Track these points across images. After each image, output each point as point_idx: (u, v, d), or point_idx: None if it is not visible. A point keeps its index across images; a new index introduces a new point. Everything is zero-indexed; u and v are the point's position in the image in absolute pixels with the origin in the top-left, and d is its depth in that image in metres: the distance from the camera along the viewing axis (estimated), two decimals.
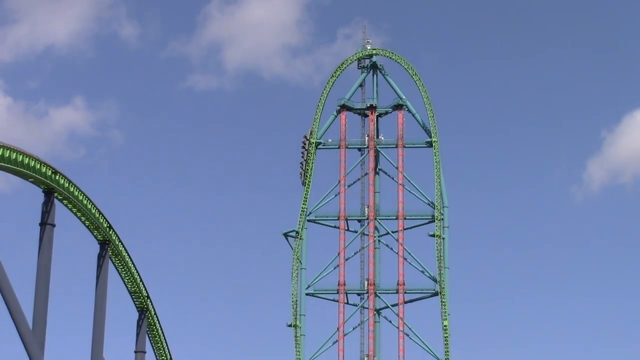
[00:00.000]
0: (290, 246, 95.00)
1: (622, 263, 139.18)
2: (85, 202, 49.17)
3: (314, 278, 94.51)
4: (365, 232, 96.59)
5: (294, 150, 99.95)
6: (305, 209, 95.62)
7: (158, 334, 61.68)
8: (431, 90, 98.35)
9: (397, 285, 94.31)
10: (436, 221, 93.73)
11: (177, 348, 65.70)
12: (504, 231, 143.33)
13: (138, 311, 59.21)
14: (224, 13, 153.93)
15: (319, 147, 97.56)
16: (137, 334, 59.32)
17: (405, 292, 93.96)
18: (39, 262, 44.54)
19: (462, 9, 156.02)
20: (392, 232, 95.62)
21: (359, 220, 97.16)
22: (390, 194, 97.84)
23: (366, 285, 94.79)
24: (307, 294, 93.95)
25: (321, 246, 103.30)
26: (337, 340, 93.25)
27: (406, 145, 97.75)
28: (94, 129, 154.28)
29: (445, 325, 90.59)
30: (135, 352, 59.10)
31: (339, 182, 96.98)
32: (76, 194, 48.08)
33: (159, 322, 61.32)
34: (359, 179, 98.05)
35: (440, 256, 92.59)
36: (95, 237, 52.19)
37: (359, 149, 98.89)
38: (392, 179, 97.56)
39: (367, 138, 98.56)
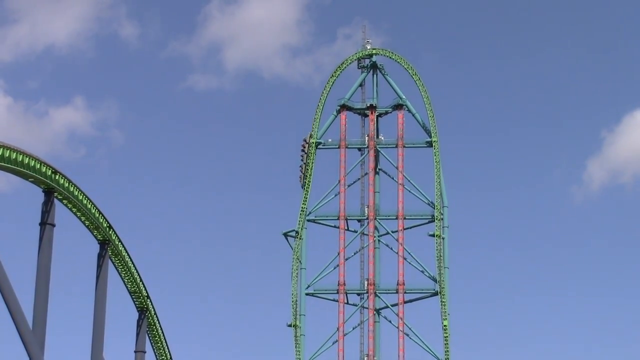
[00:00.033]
0: (290, 246, 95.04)
1: (622, 263, 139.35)
2: (85, 202, 49.17)
3: (314, 278, 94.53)
4: (365, 232, 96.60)
5: (294, 150, 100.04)
6: (305, 209, 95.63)
7: (158, 333, 61.68)
8: (431, 90, 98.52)
9: (397, 285, 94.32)
10: (436, 221, 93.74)
11: (177, 348, 65.78)
12: (504, 231, 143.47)
13: (138, 311, 59.20)
14: (224, 13, 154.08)
15: (319, 147, 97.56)
16: (137, 334, 59.31)
17: (405, 292, 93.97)
18: (39, 262, 44.54)
19: (462, 9, 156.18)
20: (392, 232, 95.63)
21: (359, 220, 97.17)
22: (390, 194, 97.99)
23: (366, 285, 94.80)
24: (307, 294, 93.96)
25: (321, 246, 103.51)
26: (337, 340, 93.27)
27: (406, 145, 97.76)
28: (94, 129, 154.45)
29: (445, 325, 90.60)
30: (135, 352, 59.09)
31: (339, 182, 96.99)
32: (76, 193, 48.08)
33: (159, 322, 61.31)
34: (358, 179, 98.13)
35: (440, 256, 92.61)
36: (95, 237, 52.20)
37: (359, 149, 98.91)
38: (392, 178, 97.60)
39: (367, 138, 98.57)
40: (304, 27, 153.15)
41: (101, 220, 51.38)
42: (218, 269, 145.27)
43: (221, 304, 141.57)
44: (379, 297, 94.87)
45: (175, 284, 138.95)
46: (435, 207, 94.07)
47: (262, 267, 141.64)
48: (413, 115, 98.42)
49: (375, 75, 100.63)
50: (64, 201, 47.86)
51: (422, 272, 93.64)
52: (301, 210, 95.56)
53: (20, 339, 42.07)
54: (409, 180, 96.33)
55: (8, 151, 42.19)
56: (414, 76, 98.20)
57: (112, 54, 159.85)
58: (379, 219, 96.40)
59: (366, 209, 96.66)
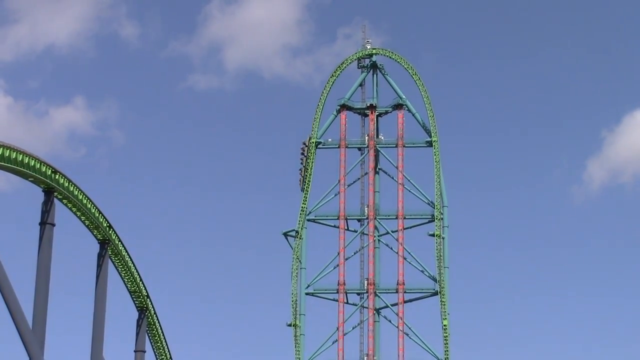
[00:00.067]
0: (290, 246, 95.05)
1: (622, 263, 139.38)
2: (85, 201, 49.20)
3: (314, 277, 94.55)
4: (365, 232, 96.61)
5: (294, 150, 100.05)
6: (305, 209, 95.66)
7: (158, 333, 61.71)
8: (431, 90, 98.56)
9: (397, 284, 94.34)
10: (436, 221, 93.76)
11: (177, 347, 65.81)
12: (504, 231, 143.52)
13: (138, 311, 59.23)
14: (225, 13, 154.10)
15: (318, 146, 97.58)
16: (137, 334, 59.35)
17: (405, 292, 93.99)
18: (38, 262, 44.56)
19: (462, 9, 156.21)
20: (392, 231, 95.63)
21: (359, 220, 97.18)
22: (390, 194, 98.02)
23: (366, 285, 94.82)
24: (306, 294, 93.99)
25: (321, 246, 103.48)
26: (336, 340, 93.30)
27: (406, 145, 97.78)
28: (94, 129, 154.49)
29: (444, 325, 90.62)
30: (135, 351, 59.12)
31: (339, 181, 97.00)
32: (76, 193, 48.11)
33: (158, 322, 61.34)
34: (358, 179, 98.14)
35: (440, 256, 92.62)
36: (95, 236, 52.23)
37: (359, 149, 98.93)
38: (392, 178, 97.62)
39: (367, 137, 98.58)
40: (304, 27, 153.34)
41: (101, 220, 51.41)
42: (218, 269, 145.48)
43: (221, 303, 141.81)
44: (379, 296, 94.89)
45: (175, 284, 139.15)
46: (435, 207, 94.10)
47: (262, 267, 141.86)
48: (413, 115, 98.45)
49: (375, 75, 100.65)
50: (63, 201, 47.89)
51: (422, 271, 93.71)
52: (301, 210, 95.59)
53: (20, 338, 42.09)
54: (409, 180, 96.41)
55: (8, 151, 42.21)
56: (414, 76, 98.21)
57: (113, 54, 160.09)
58: (379, 218, 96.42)
59: (366, 208, 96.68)
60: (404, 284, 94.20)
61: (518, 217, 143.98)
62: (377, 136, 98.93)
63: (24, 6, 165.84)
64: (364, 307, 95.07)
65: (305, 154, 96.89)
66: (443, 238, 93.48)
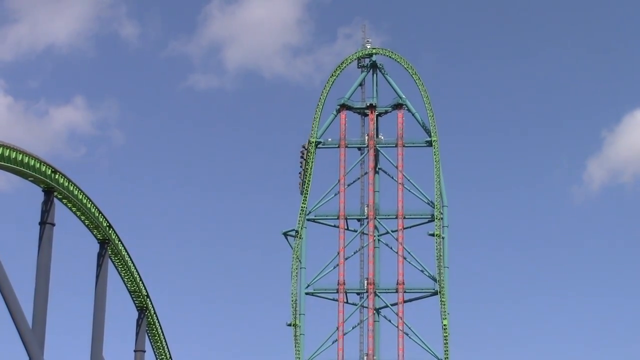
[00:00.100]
0: (290, 245, 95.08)
1: (622, 263, 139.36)
2: (84, 201, 49.20)
3: (314, 277, 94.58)
4: (364, 232, 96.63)
5: (294, 150, 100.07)
6: (304, 208, 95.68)
7: (158, 333, 61.69)
8: (431, 89, 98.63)
9: (397, 284, 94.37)
10: (436, 220, 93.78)
11: (177, 347, 65.78)
12: (504, 231, 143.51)
13: (138, 310, 59.22)
14: (225, 13, 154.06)
15: (318, 146, 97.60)
16: (137, 333, 59.33)
17: (404, 292, 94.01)
18: (38, 261, 44.57)
19: (462, 9, 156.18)
20: (392, 231, 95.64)
21: (359, 220, 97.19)
22: (390, 193, 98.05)
23: (366, 285, 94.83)
24: (306, 293, 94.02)
25: (321, 245, 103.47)
26: (336, 340, 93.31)
27: (406, 145, 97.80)
28: (95, 129, 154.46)
29: (444, 325, 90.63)
30: (134, 351, 59.11)
31: (339, 181, 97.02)
32: (76, 193, 48.11)
33: (158, 322, 61.32)
34: (358, 178, 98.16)
35: (440, 255, 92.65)
36: (95, 236, 52.23)
37: (359, 148, 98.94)
38: (392, 178, 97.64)
39: (366, 137, 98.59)
40: (305, 26, 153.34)
41: (101, 220, 51.41)
42: (218, 269, 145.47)
43: (221, 303, 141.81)
44: (379, 296, 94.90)
45: (175, 284, 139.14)
46: (435, 207, 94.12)
47: (262, 267, 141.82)
48: (413, 114, 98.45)
49: (375, 75, 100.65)
50: (63, 200, 47.89)
51: (422, 271, 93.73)
52: (301, 210, 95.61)
53: (20, 338, 42.10)
54: (408, 180, 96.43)
55: (8, 150, 42.21)
56: (413, 76, 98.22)
57: (113, 54, 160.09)
58: (379, 218, 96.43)
59: (366, 208, 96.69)
60: (403, 283, 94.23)
61: (518, 217, 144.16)
62: (377, 136, 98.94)
63: (24, 6, 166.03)
64: (363, 306, 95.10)
65: (305, 158, 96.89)
66: (443, 238, 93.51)
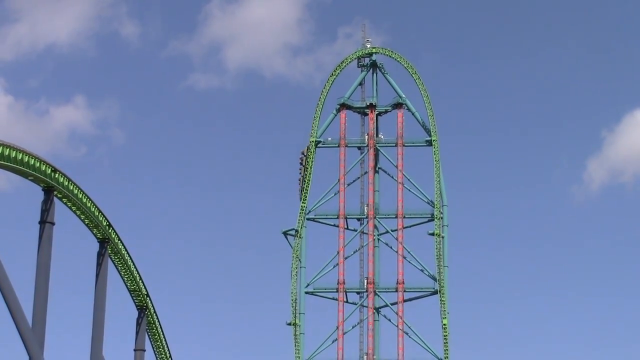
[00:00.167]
0: (290, 245, 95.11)
1: (623, 263, 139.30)
2: (84, 200, 49.23)
3: (314, 276, 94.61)
4: (364, 231, 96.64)
5: (294, 149, 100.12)
6: (304, 208, 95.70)
7: (157, 332, 61.75)
8: (431, 89, 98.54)
9: (397, 283, 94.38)
10: (435, 220, 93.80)
11: (177, 346, 65.84)
12: (504, 230, 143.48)
13: (137, 309, 59.29)
14: (225, 12, 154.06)
15: (318, 145, 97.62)
16: (137, 332, 59.41)
17: (404, 291, 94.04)
18: (38, 260, 44.60)
19: (462, 9, 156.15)
20: (392, 230, 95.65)
21: (359, 219, 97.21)
22: (390, 193, 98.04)
23: (365, 284, 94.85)
24: (306, 293, 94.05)
25: (321, 245, 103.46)
26: (336, 339, 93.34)
27: (406, 144, 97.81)
28: (95, 128, 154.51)
29: (444, 324, 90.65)
30: (134, 350, 59.19)
31: (339, 180, 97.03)
32: (75, 192, 48.15)
33: (158, 321, 61.38)
34: (358, 178, 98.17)
35: (440, 255, 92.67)
36: (95, 235, 52.28)
37: (359, 148, 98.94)
38: (392, 177, 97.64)
39: (366, 137, 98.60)
40: (305, 26, 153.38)
41: (101, 219, 51.45)
42: (218, 268, 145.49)
43: (221, 302, 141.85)
44: (379, 295, 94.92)
45: (174, 283, 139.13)
46: (435, 206, 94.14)
47: (261, 266, 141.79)
48: (413, 114, 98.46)
49: (375, 74, 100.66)
50: (63, 200, 47.93)
51: (422, 270, 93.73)
52: (301, 209, 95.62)
53: (20, 337, 42.14)
54: (408, 179, 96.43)
55: (8, 150, 42.26)
56: (413, 75, 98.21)
57: (113, 53, 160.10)
58: (379, 217, 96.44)
59: (366, 207, 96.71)
60: (403, 283, 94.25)
61: (518, 217, 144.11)
62: (377, 135, 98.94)
63: (24, 5, 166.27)
64: (363, 306, 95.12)
65: (304, 164, 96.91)
66: (443, 237, 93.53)
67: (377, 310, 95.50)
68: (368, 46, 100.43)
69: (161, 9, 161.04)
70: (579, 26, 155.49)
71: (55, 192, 46.08)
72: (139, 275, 57.58)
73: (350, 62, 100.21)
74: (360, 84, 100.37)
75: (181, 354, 69.63)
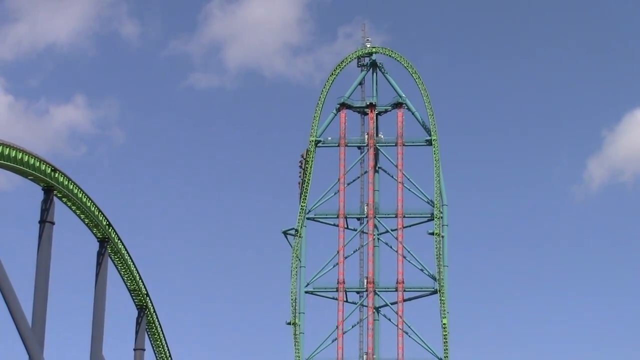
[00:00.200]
0: (290, 244, 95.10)
1: (623, 262, 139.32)
2: (84, 199, 49.23)
3: (313, 276, 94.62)
4: (364, 230, 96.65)
5: (295, 149, 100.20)
6: (304, 207, 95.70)
7: (157, 331, 61.74)
8: (431, 88, 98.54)
9: (397, 283, 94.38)
10: (435, 219, 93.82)
11: (176, 346, 65.84)
12: (504, 230, 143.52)
13: (137, 309, 59.28)
14: (225, 12, 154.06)
15: (318, 145, 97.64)
16: (137, 332, 59.39)
17: (404, 290, 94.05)
18: (38, 260, 44.61)
19: (462, 9, 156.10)
20: (392, 230, 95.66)
21: (359, 219, 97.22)
22: (390, 192, 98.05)
23: (365, 283, 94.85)
24: (306, 292, 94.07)
25: (320, 244, 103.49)
26: (336, 338, 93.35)
27: (406, 144, 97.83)
28: (95, 127, 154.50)
29: (444, 324, 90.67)
30: (134, 349, 59.16)
31: (339, 180, 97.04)
32: (75, 191, 48.15)
33: (158, 320, 61.37)
34: (358, 177, 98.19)
35: (440, 254, 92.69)
36: (95, 234, 52.27)
37: (359, 147, 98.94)
38: (392, 177, 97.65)
39: (366, 136, 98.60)
40: (305, 26, 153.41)
41: (100, 218, 51.45)
42: (218, 267, 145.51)
43: (221, 301, 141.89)
44: (379, 295, 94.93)
45: (174, 282, 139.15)
46: (435, 206, 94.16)
47: (261, 265, 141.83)
48: (413, 113, 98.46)
49: (375, 74, 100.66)
50: (63, 199, 47.92)
51: (422, 270, 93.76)
52: (301, 209, 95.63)
53: (20, 336, 42.15)
54: (408, 179, 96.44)
55: (8, 149, 42.27)
56: (413, 74, 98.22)
57: (113, 53, 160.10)
58: (379, 217, 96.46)
59: (366, 207, 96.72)
60: (403, 282, 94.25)
61: (518, 216, 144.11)
62: (377, 135, 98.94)
63: (24, 5, 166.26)
64: (363, 305, 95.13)
65: (303, 168, 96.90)
66: (442, 237, 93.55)
67: (377, 309, 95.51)
68: (368, 46, 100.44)
69: (161, 8, 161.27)
70: (579, 26, 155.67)
71: (55, 192, 46.08)
72: (139, 275, 57.59)
73: (350, 61, 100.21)
74: (360, 83, 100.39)
75: (181, 354, 69.68)
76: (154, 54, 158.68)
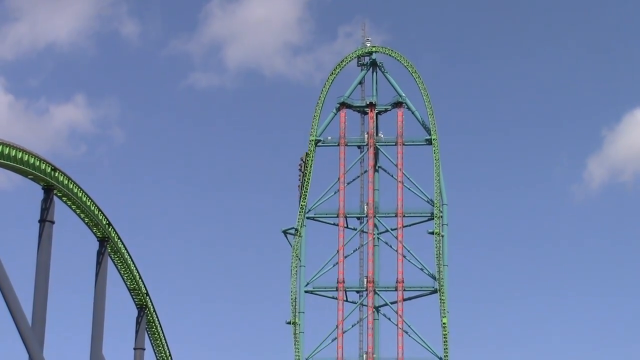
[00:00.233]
0: (290, 243, 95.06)
1: (623, 262, 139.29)
2: (84, 199, 49.24)
3: (313, 275, 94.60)
4: (364, 230, 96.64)
5: (295, 148, 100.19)
6: (304, 207, 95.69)
7: (157, 331, 61.73)
8: (431, 88, 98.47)
9: (396, 282, 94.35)
10: (435, 219, 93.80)
11: (176, 345, 65.84)
12: (504, 229, 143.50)
13: (137, 308, 59.28)
14: (225, 11, 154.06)
15: (318, 144, 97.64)
16: (137, 331, 59.40)
17: (404, 290, 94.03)
18: (38, 259, 44.62)
19: (462, 9, 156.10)
20: (392, 229, 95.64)
21: (359, 218, 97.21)
22: (390, 192, 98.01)
23: (365, 283, 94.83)
24: (306, 292, 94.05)
25: (320, 243, 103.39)
26: (336, 338, 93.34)
27: (406, 143, 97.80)
28: (95, 127, 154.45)
29: (444, 323, 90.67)
30: (134, 349, 59.17)
31: (339, 179, 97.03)
32: (75, 191, 48.16)
33: (158, 320, 61.37)
34: (358, 177, 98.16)
35: (440, 254, 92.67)
36: (95, 234, 52.27)
37: (359, 147, 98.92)
38: (392, 176, 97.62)
39: (366, 135, 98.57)
40: (305, 25, 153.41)
41: (100, 218, 51.45)
42: (217, 267, 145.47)
43: (220, 301, 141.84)
44: (378, 294, 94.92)
45: (174, 282, 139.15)
46: (435, 205, 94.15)
47: (261, 265, 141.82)
48: (413, 113, 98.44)
49: (375, 73, 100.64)
50: (63, 198, 47.93)
51: (422, 269, 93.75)
52: (300, 208, 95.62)
53: (20, 336, 42.15)
54: (408, 178, 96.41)
55: (8, 148, 42.29)
56: (413, 74, 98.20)
57: (113, 52, 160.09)
58: (379, 216, 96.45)
59: (365, 206, 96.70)
60: (403, 282, 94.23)
61: (518, 216, 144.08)
62: (377, 134, 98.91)
63: (24, 4, 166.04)
64: (363, 305, 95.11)
65: (302, 171, 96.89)
66: (442, 236, 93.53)
67: (377, 309, 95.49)
68: (368, 45, 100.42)
69: (161, 8, 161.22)
70: (579, 26, 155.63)
71: (55, 191, 46.10)
72: (139, 274, 57.58)
73: (350, 61, 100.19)
74: (360, 82, 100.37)
75: (181, 353, 69.67)
76: (154, 53, 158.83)
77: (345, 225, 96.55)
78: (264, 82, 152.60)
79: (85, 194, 49.21)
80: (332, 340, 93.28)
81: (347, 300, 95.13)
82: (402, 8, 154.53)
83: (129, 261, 56.10)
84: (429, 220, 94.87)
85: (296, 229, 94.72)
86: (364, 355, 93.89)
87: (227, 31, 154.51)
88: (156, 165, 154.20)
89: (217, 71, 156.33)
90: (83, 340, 53.89)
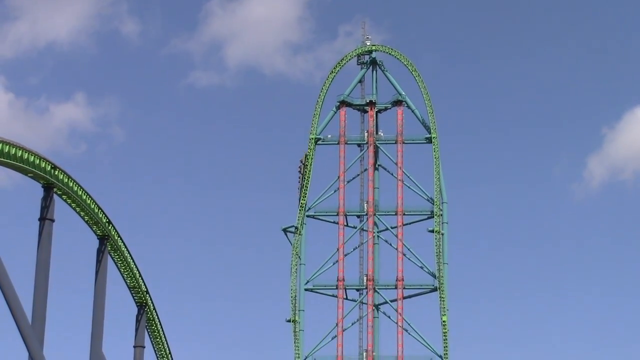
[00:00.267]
0: (290, 241, 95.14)
1: (623, 261, 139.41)
2: (84, 197, 49.34)
3: (313, 273, 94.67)
4: (364, 228, 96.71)
5: (295, 147, 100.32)
6: (304, 205, 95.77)
7: (157, 329, 61.84)
8: (431, 86, 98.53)
9: (396, 280, 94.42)
10: (435, 217, 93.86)
11: (176, 343, 65.96)
12: (504, 228, 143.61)
13: (137, 306, 59.39)
14: (226, 10, 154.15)
15: (318, 142, 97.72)
16: (136, 329, 59.52)
17: (404, 288, 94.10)
18: (38, 257, 44.73)
19: (462, 8, 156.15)
20: (391, 227, 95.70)
21: (358, 216, 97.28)
22: (390, 190, 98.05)
23: (365, 281, 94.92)
24: (306, 290, 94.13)
25: (320, 242, 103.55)
26: (336, 336, 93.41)
27: (405, 141, 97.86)
28: (95, 125, 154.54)
29: (444, 321, 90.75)
30: (134, 347, 59.29)
31: (339, 177, 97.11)
32: (75, 189, 48.26)
33: (158, 318, 61.48)
34: (358, 175, 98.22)
35: (439, 252, 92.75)
36: (95, 232, 52.37)
37: (359, 145, 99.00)
38: (392, 174, 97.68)
39: (366, 134, 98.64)
40: (305, 24, 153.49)
41: (100, 216, 51.56)
42: (217, 265, 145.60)
43: (220, 299, 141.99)
44: (378, 292, 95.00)
45: (174, 280, 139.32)
46: (435, 203, 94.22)
47: (261, 263, 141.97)
48: (412, 111, 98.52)
49: (374, 72, 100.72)
50: (63, 196, 48.04)
51: (421, 267, 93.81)
52: (300, 206, 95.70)
53: (20, 333, 42.26)
54: (408, 177, 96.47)
55: (8, 147, 42.40)
56: (413, 72, 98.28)
57: (114, 51, 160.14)
58: (379, 214, 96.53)
59: (365, 204, 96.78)
60: (403, 280, 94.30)
61: (518, 214, 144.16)
62: (377, 132, 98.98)
63: (25, 3, 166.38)
64: (363, 303, 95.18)
65: (302, 172, 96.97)
66: (442, 234, 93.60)
67: (377, 307, 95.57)
68: (368, 44, 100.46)
69: (161, 7, 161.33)
70: (579, 26, 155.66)
71: (55, 189, 46.21)
72: (139, 272, 57.70)
73: (350, 59, 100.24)
74: (360, 81, 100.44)
75: (181, 351, 69.86)
76: (154, 52, 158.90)
77: (345, 224, 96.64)
78: (264, 81, 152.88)
79: (85, 192, 49.32)
80: (332, 338, 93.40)
81: (347, 298, 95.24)
82: (402, 7, 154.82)
83: (129, 259, 56.21)
84: (428, 218, 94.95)
85: (296, 227, 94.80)
86: (364, 353, 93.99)
87: (227, 30, 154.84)
88: (156, 164, 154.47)
89: (217, 70, 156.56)
90: (83, 338, 54.01)
